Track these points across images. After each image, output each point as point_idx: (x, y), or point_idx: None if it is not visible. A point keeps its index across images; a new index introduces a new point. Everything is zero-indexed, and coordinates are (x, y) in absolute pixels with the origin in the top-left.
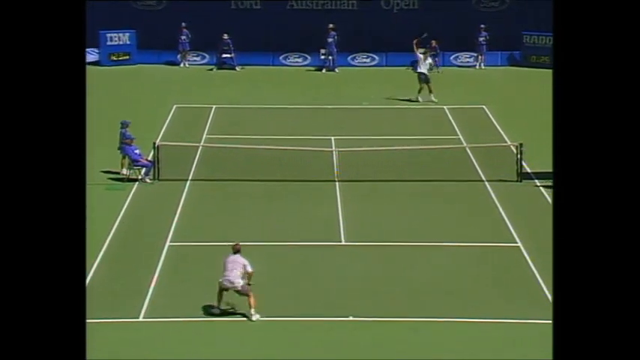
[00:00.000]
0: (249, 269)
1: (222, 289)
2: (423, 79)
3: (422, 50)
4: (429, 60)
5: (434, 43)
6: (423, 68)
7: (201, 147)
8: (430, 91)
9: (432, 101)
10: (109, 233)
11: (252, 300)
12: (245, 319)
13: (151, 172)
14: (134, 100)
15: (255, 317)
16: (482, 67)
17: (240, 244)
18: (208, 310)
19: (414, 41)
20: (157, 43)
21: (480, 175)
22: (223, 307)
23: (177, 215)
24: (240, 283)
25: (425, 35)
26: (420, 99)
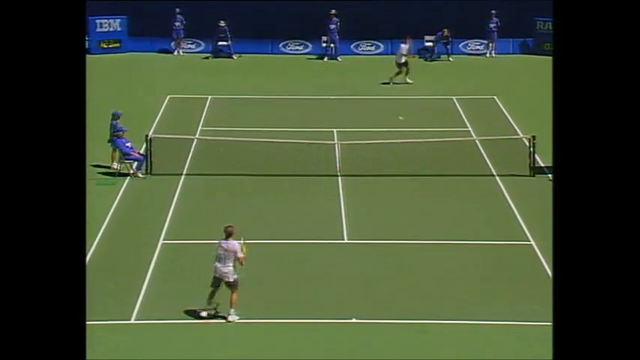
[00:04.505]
0: (240, 255)
1: (214, 283)
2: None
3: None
4: (409, 45)
5: (446, 31)
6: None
7: (196, 140)
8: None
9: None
10: (99, 231)
11: (234, 297)
12: (242, 320)
13: (143, 166)
14: (125, 90)
15: (233, 318)
16: (493, 55)
17: (232, 225)
18: (197, 314)
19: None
20: (150, 29)
21: (490, 170)
22: (211, 307)
23: (170, 211)
24: (233, 276)
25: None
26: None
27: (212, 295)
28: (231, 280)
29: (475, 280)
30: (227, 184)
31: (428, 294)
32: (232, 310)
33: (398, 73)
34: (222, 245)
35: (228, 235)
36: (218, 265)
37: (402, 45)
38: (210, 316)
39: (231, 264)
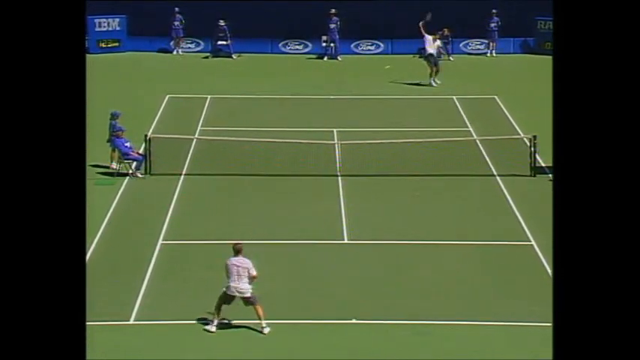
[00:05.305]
0: (253, 273)
1: (226, 300)
2: (432, 60)
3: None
4: (438, 43)
5: (446, 31)
6: (431, 50)
7: (195, 139)
8: (436, 73)
9: (436, 83)
10: (98, 231)
11: (260, 311)
12: (242, 321)
13: (143, 166)
14: (124, 90)
15: (267, 330)
16: (494, 55)
17: (241, 242)
18: (204, 323)
19: (420, 24)
20: (149, 29)
21: (491, 170)
22: (218, 320)
23: (170, 212)
24: (249, 291)
25: (429, 18)
26: (434, 82)
27: (219, 308)
28: (249, 295)
29: (475, 280)
30: (226, 184)
31: (428, 294)
32: (264, 323)
33: (436, 71)
34: (234, 262)
35: (238, 252)
36: (232, 283)
37: (429, 38)
38: (218, 328)
39: (247, 280)
